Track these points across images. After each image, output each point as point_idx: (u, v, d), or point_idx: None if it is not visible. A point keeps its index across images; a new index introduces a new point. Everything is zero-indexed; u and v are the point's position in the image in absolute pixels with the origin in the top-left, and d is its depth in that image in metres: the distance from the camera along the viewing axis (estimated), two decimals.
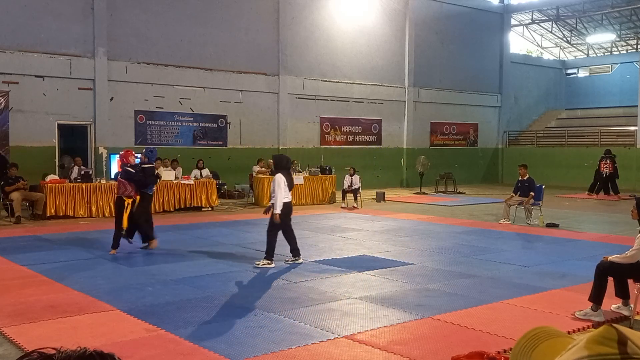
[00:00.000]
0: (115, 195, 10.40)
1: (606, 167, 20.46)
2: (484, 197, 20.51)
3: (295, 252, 9.09)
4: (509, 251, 10.24)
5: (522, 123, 29.49)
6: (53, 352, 0.85)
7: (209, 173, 17.02)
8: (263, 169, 17.89)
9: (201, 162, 17.27)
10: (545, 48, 32.82)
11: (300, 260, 9.02)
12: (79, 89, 17.28)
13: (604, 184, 20.39)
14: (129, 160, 9.98)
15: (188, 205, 15.74)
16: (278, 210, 8.69)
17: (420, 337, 5.57)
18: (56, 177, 15.14)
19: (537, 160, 24.54)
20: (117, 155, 10.89)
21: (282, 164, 9.09)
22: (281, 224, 8.82)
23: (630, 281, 6.30)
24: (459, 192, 21.80)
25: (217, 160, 19.22)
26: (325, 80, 22.15)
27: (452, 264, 9.02)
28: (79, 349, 0.86)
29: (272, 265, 8.69)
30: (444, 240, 11.31)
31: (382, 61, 23.67)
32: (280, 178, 8.79)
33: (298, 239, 9.16)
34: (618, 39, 30.59)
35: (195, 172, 16.86)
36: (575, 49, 32.78)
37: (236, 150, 19.99)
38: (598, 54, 32.52)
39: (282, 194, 8.73)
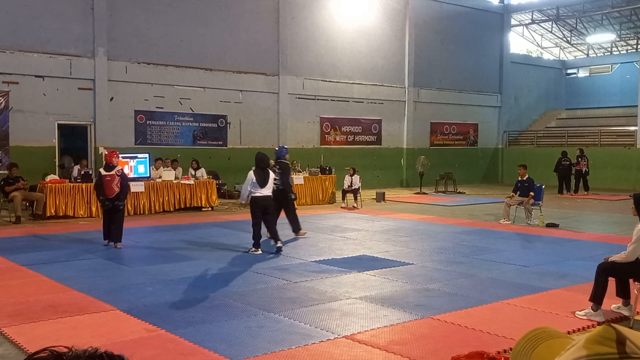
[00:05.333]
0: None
1: (584, 164, 21.38)
2: (484, 197, 20.51)
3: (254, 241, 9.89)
4: (509, 251, 10.24)
5: (522, 123, 29.49)
6: (65, 350, 0.85)
7: (203, 174, 16.78)
8: None
9: (195, 162, 17.09)
10: (545, 48, 32.81)
11: (257, 252, 9.75)
12: (79, 89, 17.28)
13: (577, 181, 21.43)
14: (110, 161, 10.22)
15: (188, 205, 15.75)
16: (242, 200, 10.89)
17: (420, 337, 5.57)
18: (56, 177, 15.15)
19: (537, 160, 24.51)
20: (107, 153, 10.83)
21: (257, 162, 10.05)
22: (253, 216, 9.86)
23: (630, 281, 6.30)
24: (459, 192, 21.80)
25: (217, 160, 19.22)
26: (325, 80, 22.14)
27: (452, 264, 9.02)
28: (90, 348, 0.86)
29: (259, 252, 9.73)
30: (444, 240, 11.31)
31: (382, 61, 23.67)
32: (249, 175, 9.93)
33: (298, 239, 9.19)
34: (618, 39, 30.58)
35: (190, 171, 16.74)
36: (575, 49, 32.77)
37: (236, 150, 19.99)
38: (598, 54, 32.50)
39: (246, 189, 9.97)
